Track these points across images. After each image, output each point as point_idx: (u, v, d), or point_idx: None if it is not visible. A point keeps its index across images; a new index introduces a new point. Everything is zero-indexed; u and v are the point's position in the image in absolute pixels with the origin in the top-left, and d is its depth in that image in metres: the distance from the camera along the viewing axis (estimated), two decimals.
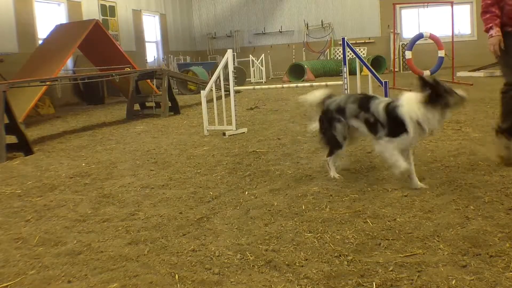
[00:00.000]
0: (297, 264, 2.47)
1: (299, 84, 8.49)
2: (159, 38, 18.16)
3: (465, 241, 2.59)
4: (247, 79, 16.24)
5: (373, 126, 3.70)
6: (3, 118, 5.86)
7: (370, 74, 5.85)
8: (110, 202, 3.81)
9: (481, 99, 8.13)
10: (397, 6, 16.95)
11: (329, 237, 2.78)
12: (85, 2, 14.03)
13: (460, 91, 3.59)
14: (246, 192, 3.80)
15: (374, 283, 2.22)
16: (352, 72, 7.48)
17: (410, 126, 3.47)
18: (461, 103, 3.68)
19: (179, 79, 13.10)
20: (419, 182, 3.62)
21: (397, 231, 2.80)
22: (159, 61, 17.55)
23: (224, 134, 6.40)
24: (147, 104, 9.61)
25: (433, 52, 12.39)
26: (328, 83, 6.75)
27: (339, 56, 18.54)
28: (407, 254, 2.49)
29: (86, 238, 3.05)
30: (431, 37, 11.45)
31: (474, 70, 13.16)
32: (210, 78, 7.29)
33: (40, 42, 11.87)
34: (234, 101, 6.52)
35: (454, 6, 11.62)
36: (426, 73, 11.45)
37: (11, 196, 4.16)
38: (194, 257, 2.64)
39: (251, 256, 2.60)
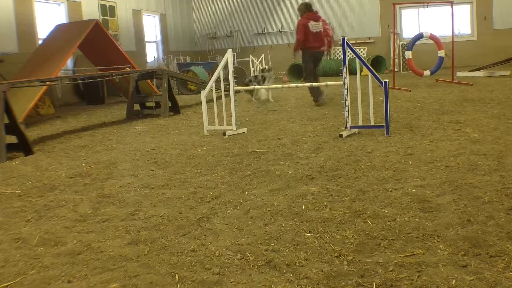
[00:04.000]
0: (297, 264, 2.47)
1: (299, 84, 8.47)
2: (159, 38, 18.15)
3: (465, 241, 2.59)
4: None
5: None
6: (3, 118, 5.85)
7: (370, 74, 5.84)
8: (110, 202, 3.81)
9: (481, 99, 8.14)
10: (397, 6, 16.94)
11: (329, 237, 2.78)
12: (85, 2, 14.02)
13: None
14: (246, 192, 3.80)
15: (374, 283, 2.22)
16: (352, 72, 7.47)
17: None
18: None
19: (179, 79, 13.09)
20: None
21: (397, 231, 2.80)
22: (159, 61, 17.55)
23: (224, 134, 6.40)
24: (147, 104, 9.60)
25: (433, 52, 12.38)
26: (328, 83, 6.75)
27: (339, 56, 18.54)
28: (407, 254, 2.49)
29: (86, 238, 3.05)
30: (431, 37, 11.44)
31: (474, 70, 13.16)
32: (210, 78, 7.29)
33: (40, 42, 11.86)
34: (234, 101, 6.52)
35: (454, 6, 11.62)
36: (426, 73, 11.46)
37: (11, 196, 4.16)
38: (194, 257, 2.64)
39: (251, 256, 2.60)
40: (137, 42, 16.55)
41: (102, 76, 10.03)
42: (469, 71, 13.17)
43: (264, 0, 19.81)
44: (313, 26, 8.80)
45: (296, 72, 16.48)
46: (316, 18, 8.95)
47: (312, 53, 8.90)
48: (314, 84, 7.79)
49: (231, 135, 6.40)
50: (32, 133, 7.66)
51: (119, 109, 10.90)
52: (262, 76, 10.55)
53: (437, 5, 14.76)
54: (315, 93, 8.87)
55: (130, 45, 15.90)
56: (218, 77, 6.73)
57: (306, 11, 9.02)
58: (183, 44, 19.76)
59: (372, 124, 5.88)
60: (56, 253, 2.84)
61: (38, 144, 6.73)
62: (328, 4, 18.95)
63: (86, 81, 10.06)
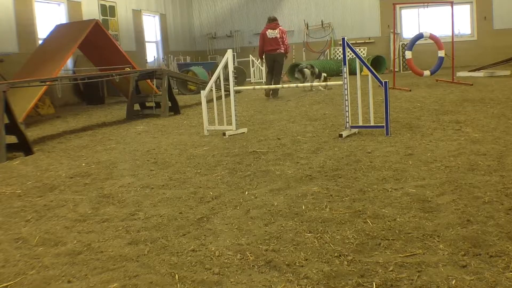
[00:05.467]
0: (297, 264, 2.47)
1: (299, 84, 8.48)
2: (159, 38, 18.15)
3: (465, 241, 2.59)
4: (247, 79, 16.24)
5: None
6: (3, 118, 5.85)
7: (370, 74, 5.84)
8: (110, 202, 3.81)
9: (481, 99, 8.14)
10: (397, 6, 16.94)
11: (329, 237, 2.78)
12: (85, 2, 14.02)
13: None
14: (246, 192, 3.80)
15: (374, 283, 2.22)
16: (352, 72, 7.47)
17: None
18: None
19: (179, 79, 13.09)
20: None
21: (397, 231, 2.80)
22: (159, 61, 17.54)
23: (224, 134, 6.40)
24: (147, 104, 9.60)
25: (433, 52, 12.39)
26: (328, 83, 6.75)
27: (339, 56, 18.53)
28: (407, 254, 2.49)
29: (86, 238, 3.05)
30: (431, 37, 11.44)
31: (474, 70, 13.15)
32: (210, 78, 7.30)
33: (40, 42, 11.86)
34: (234, 101, 6.52)
35: (454, 6, 11.61)
36: (426, 73, 11.45)
37: (11, 196, 4.16)
38: (194, 257, 2.64)
39: (251, 256, 2.60)
40: (137, 42, 16.54)
41: (102, 76, 10.03)
42: (469, 71, 13.16)
43: (264, 0, 19.81)
44: (270, 33, 10.86)
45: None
46: (273, 27, 10.91)
47: (269, 55, 10.97)
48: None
49: (231, 135, 6.40)
50: (32, 133, 7.66)
51: (119, 109, 10.90)
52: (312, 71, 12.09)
53: (437, 5, 14.76)
54: (273, 90, 10.95)
55: (130, 45, 15.90)
56: (218, 77, 6.73)
57: (267, 23, 11.12)
58: (183, 44, 19.76)
59: (372, 124, 5.88)
60: (56, 253, 2.84)
61: (38, 144, 6.73)
62: (328, 4, 18.96)
63: (86, 81, 10.06)
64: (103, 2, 14.83)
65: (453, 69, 11.58)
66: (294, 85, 8.11)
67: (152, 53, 17.73)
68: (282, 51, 10.87)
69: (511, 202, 3.15)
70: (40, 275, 2.54)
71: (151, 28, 17.91)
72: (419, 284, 2.18)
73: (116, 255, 2.74)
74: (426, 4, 12.13)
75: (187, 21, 20.33)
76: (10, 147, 5.89)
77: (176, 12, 19.39)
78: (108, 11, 15.08)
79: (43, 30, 12.24)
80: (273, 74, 11.02)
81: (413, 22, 18.29)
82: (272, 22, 10.99)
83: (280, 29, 10.90)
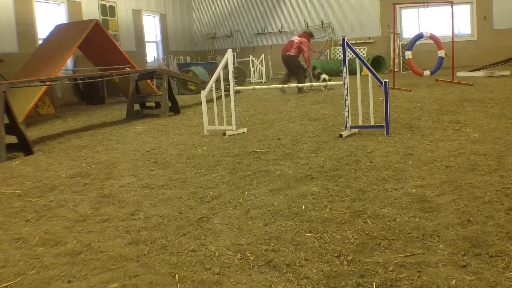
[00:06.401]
0: (297, 264, 2.47)
1: (299, 84, 8.47)
2: (159, 38, 18.15)
3: (465, 241, 2.59)
4: (247, 79, 16.24)
5: None
6: (3, 118, 5.85)
7: (370, 74, 5.84)
8: (110, 202, 3.81)
9: (481, 99, 8.14)
10: (397, 6, 16.93)
11: (329, 237, 2.78)
12: (85, 2, 14.02)
13: None
14: (246, 192, 3.80)
15: (374, 283, 2.22)
16: (352, 72, 7.47)
17: None
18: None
19: (179, 79, 13.09)
20: None
21: (397, 231, 2.80)
22: (159, 61, 17.54)
23: (224, 134, 6.40)
24: (147, 104, 9.60)
25: (433, 52, 12.39)
26: (328, 83, 6.74)
27: (339, 56, 18.53)
28: (407, 254, 2.49)
29: (86, 238, 3.05)
30: (431, 37, 11.43)
31: (474, 70, 13.15)
32: (210, 78, 7.30)
33: (40, 42, 11.86)
34: (234, 101, 6.52)
35: (454, 6, 11.61)
36: (426, 73, 11.45)
37: (11, 196, 4.16)
38: (194, 257, 2.64)
39: (251, 256, 2.60)
40: (137, 42, 16.54)
41: (102, 76, 10.03)
42: (469, 71, 13.16)
43: (264, 0, 19.81)
44: (292, 38, 12.07)
45: None
46: (298, 36, 12.03)
47: (281, 56, 12.04)
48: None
49: (231, 135, 6.40)
50: (32, 133, 7.66)
51: (119, 109, 10.90)
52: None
53: (437, 5, 14.76)
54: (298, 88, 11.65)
55: (130, 45, 15.90)
56: (218, 77, 6.73)
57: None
58: (183, 44, 19.76)
59: (372, 124, 5.88)
60: (56, 253, 2.84)
61: (38, 144, 6.73)
62: (328, 4, 18.95)
63: (86, 81, 10.06)
64: (103, 2, 14.83)
65: (453, 69, 11.58)
66: (294, 85, 8.12)
67: (152, 53, 17.73)
68: (292, 53, 11.65)
69: (511, 202, 3.15)
70: (40, 275, 2.54)
71: (151, 28, 17.91)
72: (419, 284, 2.18)
73: (116, 255, 2.74)
74: (426, 4, 12.13)
75: (187, 21, 20.33)
76: (10, 147, 5.89)
77: (176, 12, 19.39)
78: (108, 11, 15.08)
79: (43, 30, 12.24)
80: (291, 74, 12.09)
81: (413, 22, 18.29)
82: (300, 33, 12.21)
83: (301, 40, 11.75)
